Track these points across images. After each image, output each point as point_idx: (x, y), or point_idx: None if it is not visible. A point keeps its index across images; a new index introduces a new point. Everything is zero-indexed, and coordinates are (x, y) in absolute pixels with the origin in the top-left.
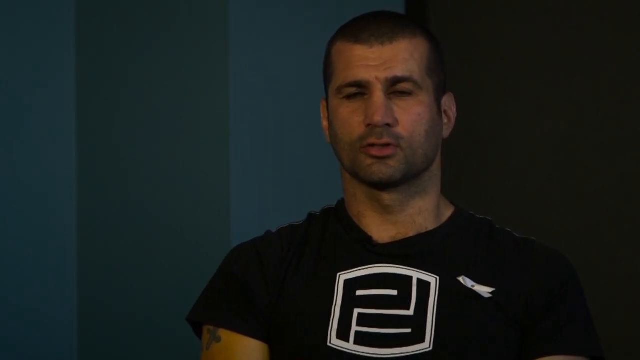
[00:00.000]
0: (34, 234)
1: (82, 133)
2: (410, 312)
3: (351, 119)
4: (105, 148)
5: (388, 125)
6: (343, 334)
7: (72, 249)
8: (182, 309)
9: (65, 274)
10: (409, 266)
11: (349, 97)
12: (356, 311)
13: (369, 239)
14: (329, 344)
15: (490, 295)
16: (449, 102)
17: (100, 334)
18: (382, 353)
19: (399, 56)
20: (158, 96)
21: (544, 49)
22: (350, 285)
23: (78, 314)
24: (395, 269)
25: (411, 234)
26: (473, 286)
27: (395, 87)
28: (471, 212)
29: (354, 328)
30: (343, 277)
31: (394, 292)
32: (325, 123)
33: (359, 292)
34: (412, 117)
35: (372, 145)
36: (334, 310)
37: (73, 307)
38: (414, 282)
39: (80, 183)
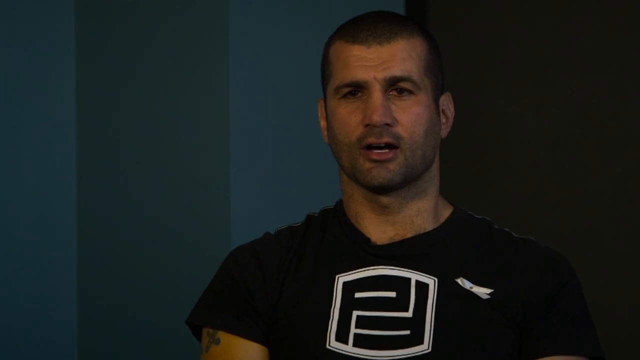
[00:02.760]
0: (34, 234)
1: (82, 133)
2: (409, 314)
3: (349, 119)
4: (105, 148)
5: (387, 125)
6: (342, 337)
7: (72, 249)
8: (182, 309)
9: (65, 274)
10: (407, 268)
11: (347, 97)
12: (355, 313)
13: (367, 240)
14: (328, 346)
15: (488, 297)
16: (447, 102)
17: (100, 334)
18: (381, 355)
19: (397, 56)
20: (158, 96)
21: (544, 49)
22: (349, 287)
23: (78, 314)
24: (393, 270)
25: (409, 235)
26: (471, 287)
27: (393, 87)
28: (470, 212)
29: (353, 330)
30: (342, 279)
31: (393, 294)
32: (322, 123)
33: (358, 294)
34: (411, 117)
35: (370, 145)
36: (333, 312)
37: (73, 307)
38: (413, 283)
39: (80, 183)
